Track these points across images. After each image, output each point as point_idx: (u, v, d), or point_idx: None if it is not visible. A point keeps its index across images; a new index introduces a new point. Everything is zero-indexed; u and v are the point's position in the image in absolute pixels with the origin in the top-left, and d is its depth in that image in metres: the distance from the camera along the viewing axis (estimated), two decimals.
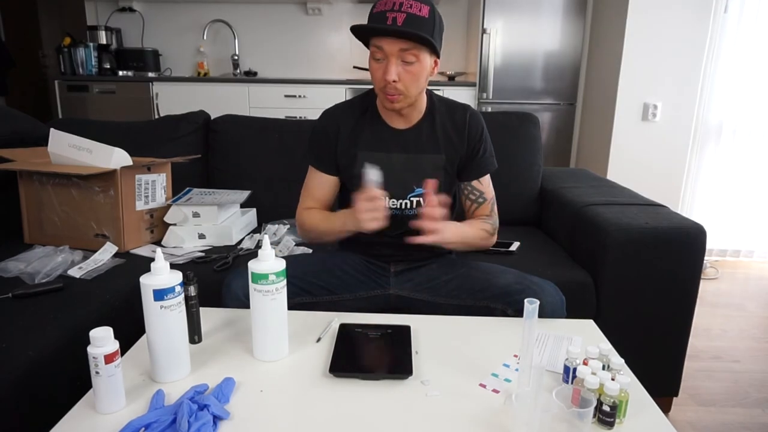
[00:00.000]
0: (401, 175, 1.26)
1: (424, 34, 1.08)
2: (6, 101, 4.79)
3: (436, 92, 1.33)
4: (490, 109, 3.41)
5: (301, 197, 1.35)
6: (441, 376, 0.91)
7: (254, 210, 1.90)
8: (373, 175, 1.10)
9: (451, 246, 1.26)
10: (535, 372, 0.72)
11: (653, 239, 1.45)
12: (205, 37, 3.99)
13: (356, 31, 1.12)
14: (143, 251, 1.59)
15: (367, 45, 1.17)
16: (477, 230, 1.28)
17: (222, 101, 3.46)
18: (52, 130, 1.59)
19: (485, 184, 1.32)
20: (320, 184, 1.32)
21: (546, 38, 3.33)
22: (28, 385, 0.98)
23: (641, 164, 3.06)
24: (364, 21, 1.10)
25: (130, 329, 1.01)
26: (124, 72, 3.71)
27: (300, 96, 3.54)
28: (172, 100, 3.53)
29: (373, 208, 1.08)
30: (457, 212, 1.39)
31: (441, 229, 1.09)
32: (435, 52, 1.15)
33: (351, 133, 1.27)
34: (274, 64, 4.08)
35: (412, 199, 1.27)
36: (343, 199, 1.38)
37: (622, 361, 0.87)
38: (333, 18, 3.99)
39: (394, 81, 1.12)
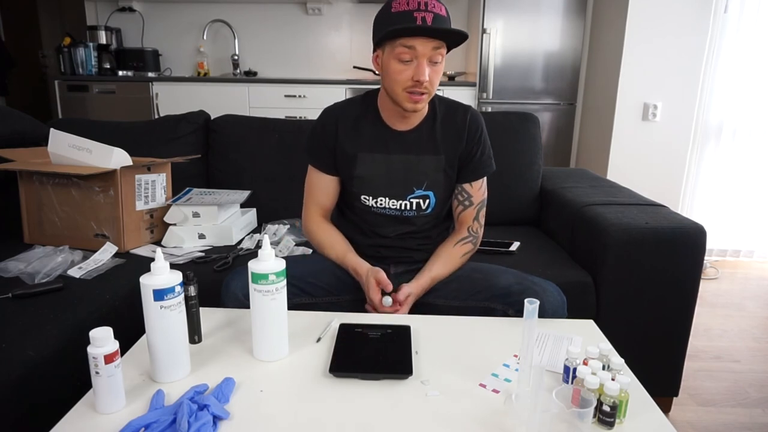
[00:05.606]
0: (401, 176, 1.25)
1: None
2: (6, 101, 4.79)
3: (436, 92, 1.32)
4: (490, 109, 3.41)
5: (304, 200, 1.35)
6: (441, 376, 0.91)
7: (254, 210, 1.90)
8: (387, 302, 1.20)
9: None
10: (535, 372, 0.72)
11: (653, 239, 1.45)
12: (205, 37, 3.99)
13: (391, 32, 1.09)
14: (143, 251, 1.59)
15: (377, 47, 1.16)
16: (456, 260, 1.30)
17: (222, 101, 3.46)
18: (52, 130, 1.59)
19: (476, 188, 1.30)
20: (321, 186, 1.32)
21: (546, 38, 3.33)
22: (28, 385, 0.98)
23: (641, 164, 3.06)
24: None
25: (130, 329, 1.01)
26: (124, 72, 3.72)
27: (300, 96, 3.54)
28: (172, 100, 3.53)
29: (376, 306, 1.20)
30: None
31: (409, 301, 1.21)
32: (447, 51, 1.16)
33: (350, 133, 1.27)
34: (274, 64, 4.08)
35: (411, 200, 1.27)
36: (342, 199, 1.37)
37: (622, 361, 0.87)
38: (333, 18, 3.98)
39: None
